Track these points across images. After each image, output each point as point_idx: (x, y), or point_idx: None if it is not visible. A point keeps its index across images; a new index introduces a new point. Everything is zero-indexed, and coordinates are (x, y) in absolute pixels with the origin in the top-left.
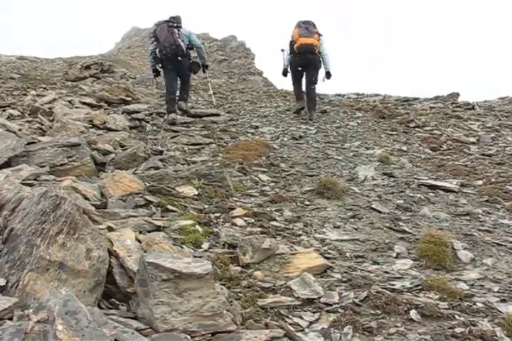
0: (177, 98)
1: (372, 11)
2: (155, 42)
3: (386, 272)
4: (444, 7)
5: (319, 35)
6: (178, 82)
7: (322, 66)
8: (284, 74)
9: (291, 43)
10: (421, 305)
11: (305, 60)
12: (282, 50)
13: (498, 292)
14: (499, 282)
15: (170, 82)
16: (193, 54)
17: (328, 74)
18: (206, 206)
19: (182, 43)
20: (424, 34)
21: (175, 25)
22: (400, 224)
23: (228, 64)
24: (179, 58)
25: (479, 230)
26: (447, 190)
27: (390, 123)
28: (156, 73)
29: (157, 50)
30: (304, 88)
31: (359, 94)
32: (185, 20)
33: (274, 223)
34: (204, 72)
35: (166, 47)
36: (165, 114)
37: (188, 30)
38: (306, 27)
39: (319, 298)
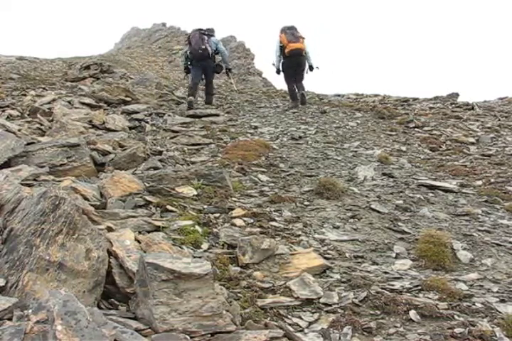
0: (199, 89)
1: (372, 11)
2: (188, 45)
3: (385, 272)
4: (444, 7)
5: (303, 38)
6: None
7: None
8: (278, 72)
9: (281, 47)
10: (420, 305)
11: (296, 61)
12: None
13: (497, 292)
14: (498, 282)
15: (195, 75)
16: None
17: (311, 68)
18: (205, 206)
19: (209, 48)
20: (424, 34)
21: (206, 33)
22: (400, 224)
23: None
24: (205, 57)
25: (478, 230)
26: (447, 191)
27: (390, 123)
28: (187, 71)
29: (188, 52)
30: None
31: (358, 95)
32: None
33: (274, 223)
34: (228, 74)
35: (195, 50)
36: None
37: (217, 39)
38: (292, 33)
39: (318, 298)
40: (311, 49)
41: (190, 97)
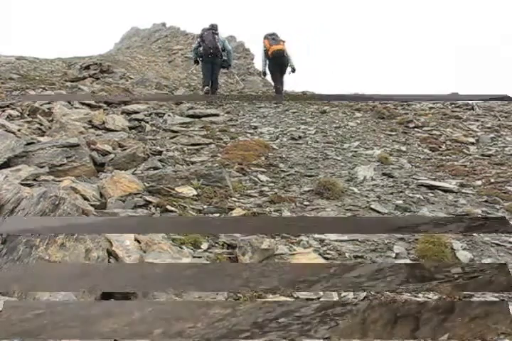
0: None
1: (372, 11)
2: (200, 43)
3: None
4: (444, 6)
5: (283, 41)
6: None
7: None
8: (264, 74)
9: (265, 51)
10: None
11: (279, 61)
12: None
13: None
14: None
15: (207, 71)
16: None
17: (293, 70)
18: (205, 206)
19: (220, 46)
20: (424, 34)
21: (216, 32)
22: None
23: None
24: (216, 55)
25: None
26: (446, 191)
27: (389, 123)
28: (196, 63)
29: (201, 48)
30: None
31: (358, 95)
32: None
33: None
34: (228, 69)
35: (209, 48)
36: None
37: (223, 37)
38: (273, 37)
39: (318, 298)
40: (291, 52)
41: (206, 87)
